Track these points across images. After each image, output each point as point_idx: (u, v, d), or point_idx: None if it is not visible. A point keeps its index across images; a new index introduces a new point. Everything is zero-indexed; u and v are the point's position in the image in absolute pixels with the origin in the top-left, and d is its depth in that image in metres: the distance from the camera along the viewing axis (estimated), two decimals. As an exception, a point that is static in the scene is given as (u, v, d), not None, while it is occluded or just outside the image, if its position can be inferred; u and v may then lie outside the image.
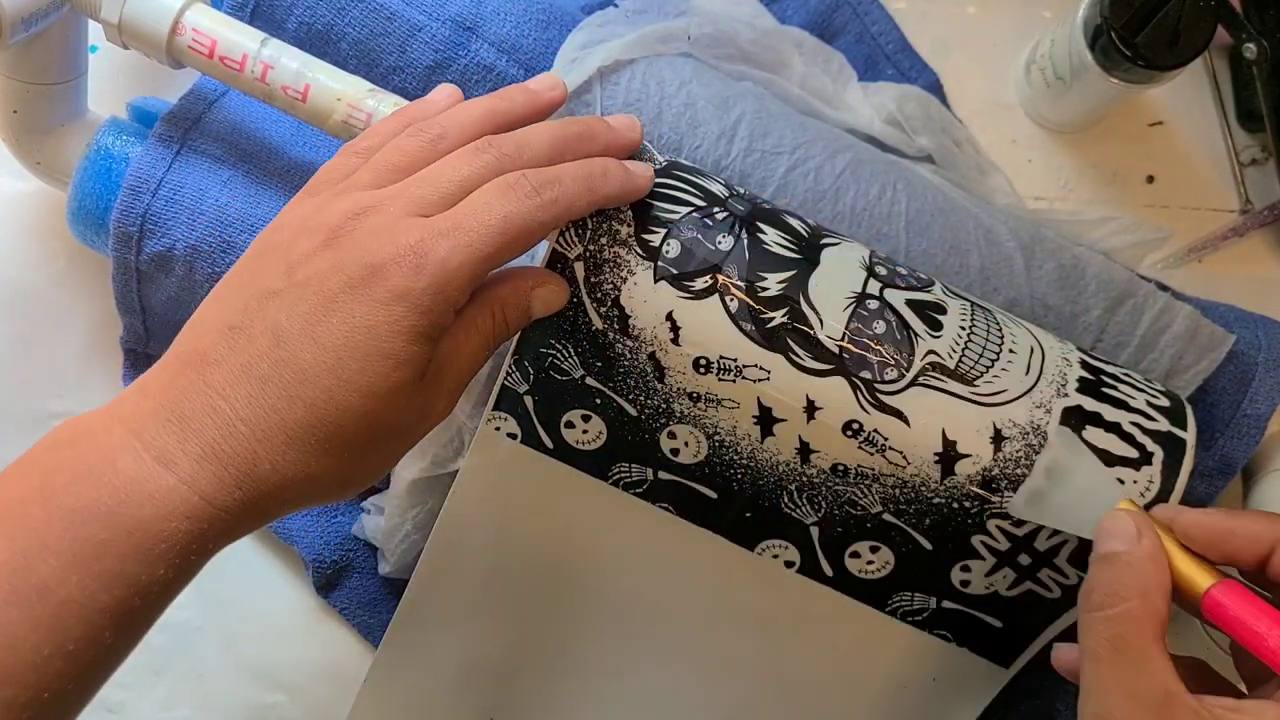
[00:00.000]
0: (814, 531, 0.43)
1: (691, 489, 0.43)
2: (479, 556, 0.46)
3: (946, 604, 0.44)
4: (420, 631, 0.46)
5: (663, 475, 0.43)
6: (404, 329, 0.33)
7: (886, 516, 0.42)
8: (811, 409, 0.40)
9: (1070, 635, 0.49)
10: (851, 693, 0.47)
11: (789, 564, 0.44)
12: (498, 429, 0.44)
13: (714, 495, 0.43)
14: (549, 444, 0.43)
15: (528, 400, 0.43)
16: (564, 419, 0.43)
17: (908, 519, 0.42)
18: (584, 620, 0.46)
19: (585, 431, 0.43)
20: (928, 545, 0.42)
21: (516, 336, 0.42)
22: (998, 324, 0.42)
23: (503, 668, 0.46)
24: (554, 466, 0.44)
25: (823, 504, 0.42)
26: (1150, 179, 0.58)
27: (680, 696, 0.47)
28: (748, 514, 0.43)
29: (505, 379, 0.43)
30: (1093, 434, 0.41)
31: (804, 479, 0.42)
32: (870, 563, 0.43)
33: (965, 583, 0.43)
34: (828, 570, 0.44)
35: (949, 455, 0.40)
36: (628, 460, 0.43)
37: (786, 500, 0.43)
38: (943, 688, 0.46)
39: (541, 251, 0.41)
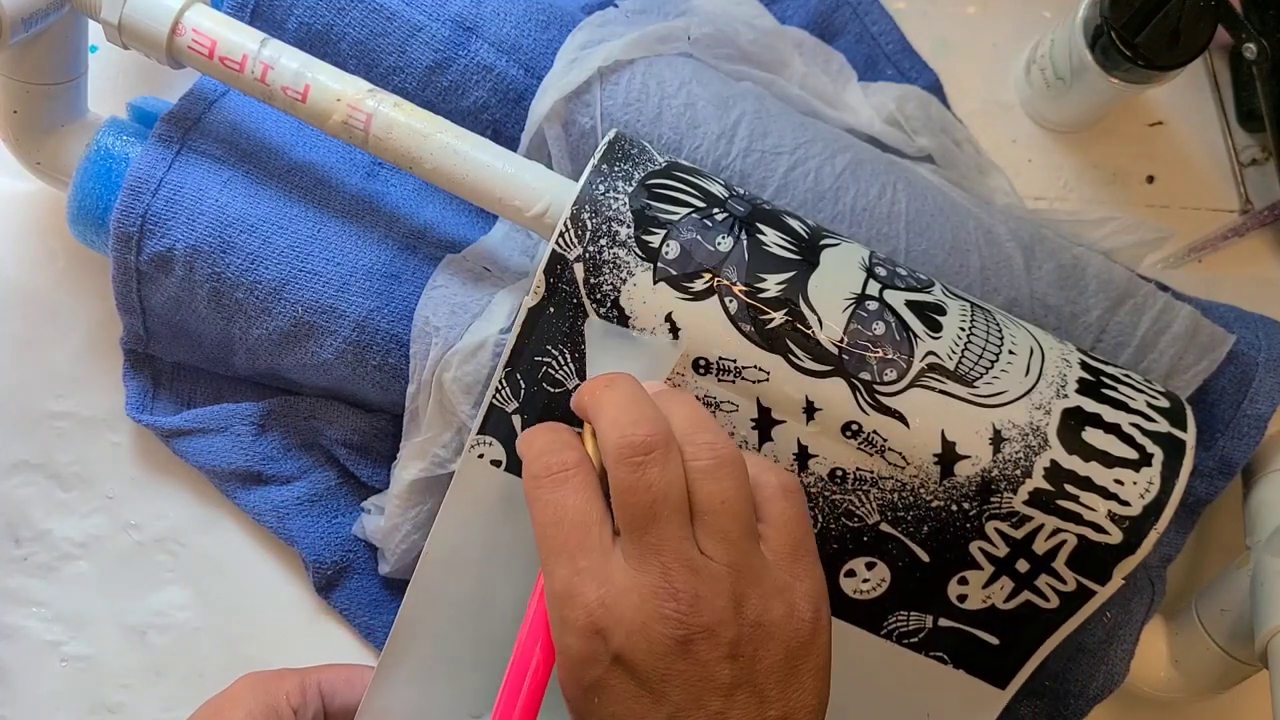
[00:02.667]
0: None
1: None
2: (464, 591, 0.44)
3: (943, 622, 0.43)
4: (414, 657, 0.45)
5: None
6: None
7: (884, 527, 0.42)
8: (811, 410, 0.40)
9: (1068, 648, 0.49)
10: (847, 714, 0.46)
11: None
12: (481, 455, 0.43)
13: None
14: None
15: (516, 420, 0.42)
16: None
17: (905, 527, 0.42)
18: None
19: None
20: (925, 557, 0.42)
21: (510, 346, 0.41)
22: (997, 325, 0.42)
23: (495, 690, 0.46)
24: None
25: (819, 517, 0.42)
26: (1150, 179, 0.58)
27: None
28: None
29: (494, 397, 0.42)
30: (1092, 435, 0.41)
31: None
32: (866, 581, 0.43)
33: (962, 597, 0.43)
34: None
35: (948, 456, 0.40)
36: None
37: None
38: (940, 717, 0.46)
39: (542, 254, 0.41)
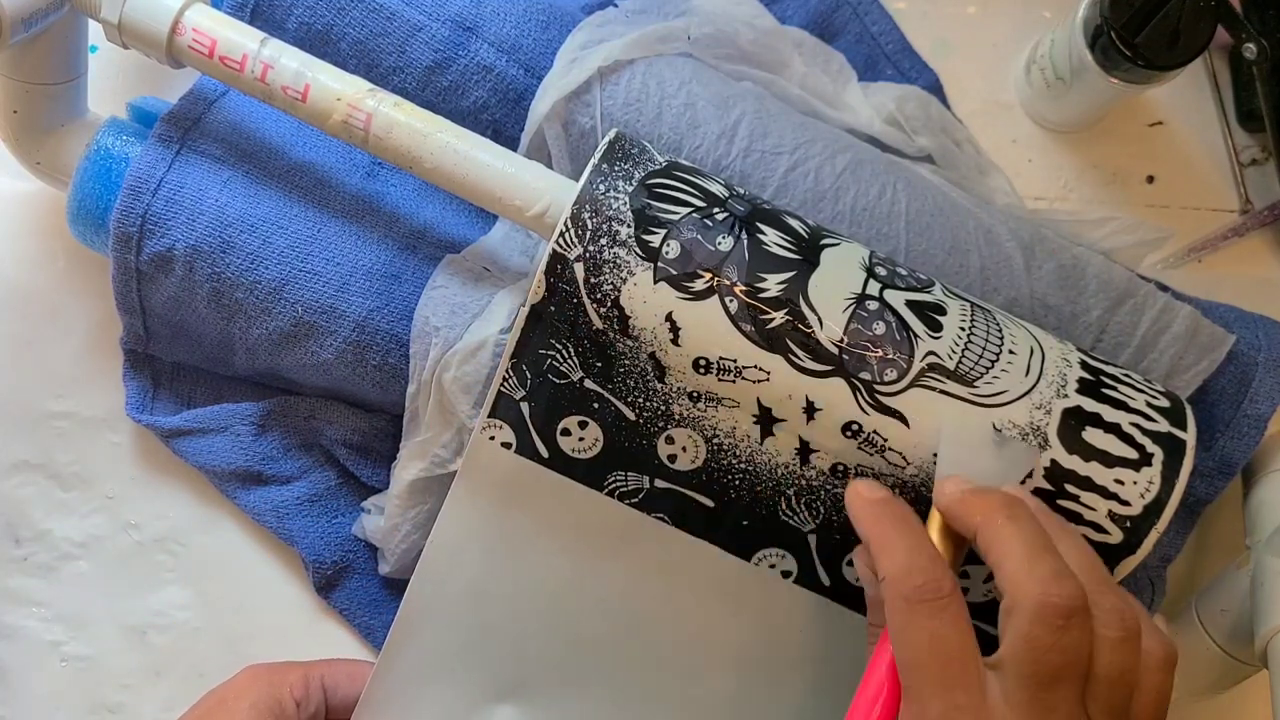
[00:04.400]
0: (811, 540, 0.43)
1: (688, 498, 0.43)
2: (473, 571, 0.45)
3: None
4: (415, 650, 0.46)
5: (659, 484, 0.43)
6: None
7: None
8: (811, 410, 0.40)
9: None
10: (848, 707, 0.46)
11: (786, 574, 0.44)
12: (492, 438, 0.43)
13: (711, 504, 0.43)
14: (544, 453, 0.43)
15: (524, 407, 0.43)
16: (560, 426, 0.43)
17: None
18: (578, 635, 0.46)
19: (581, 439, 0.43)
20: None
21: (516, 340, 0.42)
22: (997, 324, 0.42)
23: (497, 684, 0.46)
24: (549, 478, 0.43)
25: (821, 509, 0.42)
26: (1150, 179, 0.58)
27: (676, 710, 0.47)
28: (744, 522, 0.43)
29: (502, 385, 0.43)
30: (1092, 435, 0.40)
31: (802, 482, 0.42)
32: None
33: (964, 589, 0.43)
34: (825, 580, 0.44)
35: (949, 456, 0.40)
36: (624, 469, 0.43)
37: (784, 506, 0.43)
38: None
39: (542, 254, 0.41)
